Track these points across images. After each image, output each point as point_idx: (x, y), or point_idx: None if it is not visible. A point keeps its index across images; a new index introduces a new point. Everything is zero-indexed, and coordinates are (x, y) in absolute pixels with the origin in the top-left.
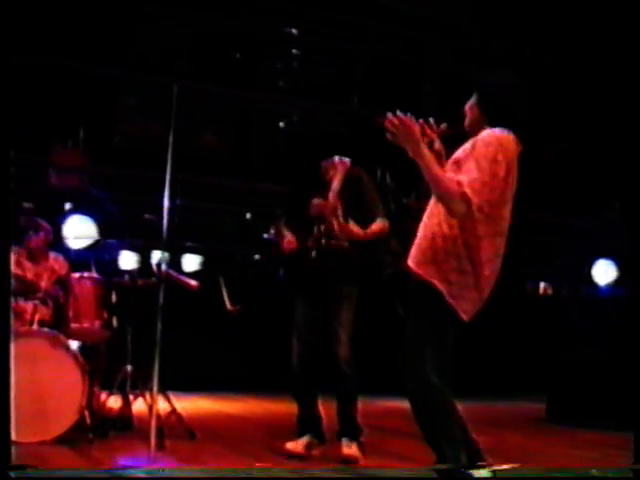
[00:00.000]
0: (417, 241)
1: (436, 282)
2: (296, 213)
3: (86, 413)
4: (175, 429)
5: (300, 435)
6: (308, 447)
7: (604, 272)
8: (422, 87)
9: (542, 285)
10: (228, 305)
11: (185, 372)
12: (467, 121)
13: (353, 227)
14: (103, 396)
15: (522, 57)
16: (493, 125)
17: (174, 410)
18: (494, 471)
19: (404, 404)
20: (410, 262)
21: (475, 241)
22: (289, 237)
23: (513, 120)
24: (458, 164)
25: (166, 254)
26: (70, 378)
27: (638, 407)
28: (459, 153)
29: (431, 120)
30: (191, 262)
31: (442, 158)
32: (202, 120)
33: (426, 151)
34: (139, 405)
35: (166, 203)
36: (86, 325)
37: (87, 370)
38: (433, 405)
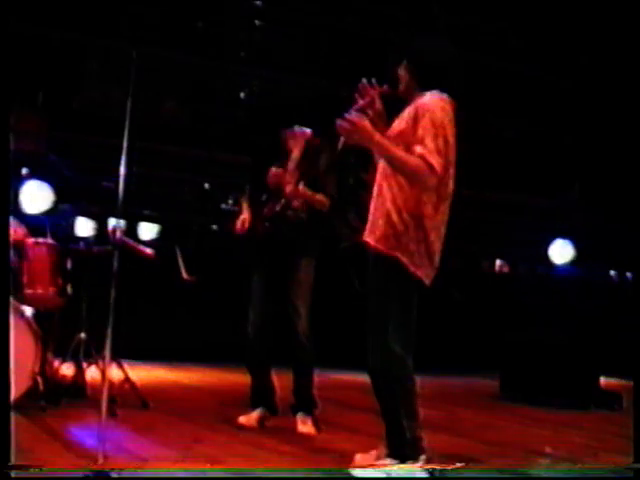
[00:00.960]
0: (372, 217)
1: (398, 254)
2: (257, 183)
3: (39, 380)
4: (129, 398)
5: (253, 407)
6: (261, 420)
7: (561, 252)
8: (386, 61)
9: (498, 263)
10: (184, 275)
11: (140, 341)
12: (401, 86)
13: (303, 189)
14: (56, 363)
15: (487, 34)
16: (425, 89)
17: (127, 379)
18: (432, 470)
19: (359, 377)
20: (369, 238)
21: (430, 210)
22: (243, 216)
23: (446, 82)
24: (402, 135)
25: (121, 221)
26: (23, 344)
27: (637, 406)
28: (400, 124)
29: (373, 80)
30: (148, 231)
31: (383, 117)
32: (163, 88)
33: (381, 139)
34: (93, 373)
35: (122, 170)
36: (40, 291)
37: (40, 337)
38: (396, 376)
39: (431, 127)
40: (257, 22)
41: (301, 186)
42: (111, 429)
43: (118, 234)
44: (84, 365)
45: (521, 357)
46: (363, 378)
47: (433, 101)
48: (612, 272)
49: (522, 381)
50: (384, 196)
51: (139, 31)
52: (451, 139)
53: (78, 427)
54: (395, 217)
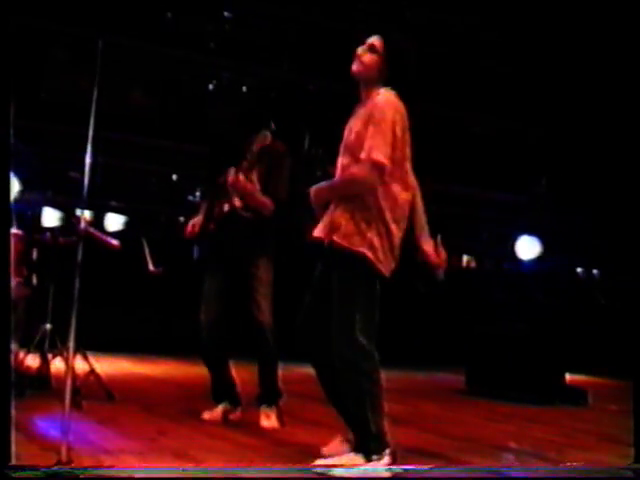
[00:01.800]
0: (334, 215)
1: (364, 250)
2: (212, 185)
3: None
4: (94, 390)
5: (216, 402)
6: (225, 414)
7: (527, 247)
8: (351, 54)
9: (465, 258)
10: (150, 266)
11: (106, 333)
12: (361, 67)
13: (243, 179)
14: (21, 354)
15: (457, 29)
16: (383, 83)
17: (92, 370)
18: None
19: None
20: (333, 236)
21: (390, 203)
22: (195, 219)
23: (404, 83)
24: (360, 137)
25: (86, 212)
26: None
27: (637, 406)
28: (357, 125)
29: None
30: (114, 221)
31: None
32: (130, 78)
33: (323, 190)
34: (58, 365)
35: (88, 160)
36: None
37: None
38: (364, 369)
39: (381, 122)
40: (226, 14)
41: (241, 176)
42: (75, 421)
43: (82, 224)
44: (49, 356)
45: (487, 352)
46: None
47: (387, 100)
48: (578, 268)
49: (488, 376)
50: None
51: (108, 20)
52: (401, 134)
53: (42, 419)
54: (358, 214)
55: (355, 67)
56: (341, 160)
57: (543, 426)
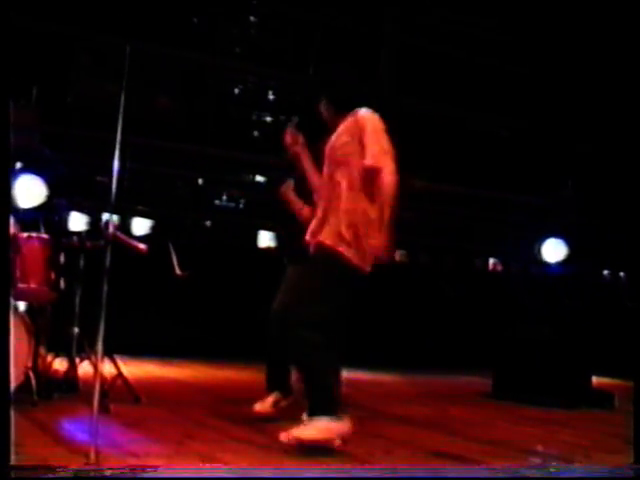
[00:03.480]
0: (340, 227)
1: (343, 249)
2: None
3: (31, 375)
4: (121, 393)
5: (269, 391)
6: (275, 403)
7: (554, 250)
8: (379, 58)
9: (491, 261)
10: (177, 270)
11: (133, 336)
12: (326, 117)
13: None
14: (49, 358)
15: (479, 33)
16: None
17: (120, 374)
18: None
19: (350, 374)
20: (340, 248)
21: (368, 205)
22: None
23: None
24: (346, 146)
25: (114, 216)
26: (16, 339)
27: (637, 406)
28: (341, 137)
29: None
30: (141, 226)
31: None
32: (157, 83)
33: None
34: (85, 368)
35: (115, 165)
36: (33, 286)
37: (33, 331)
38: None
39: (373, 133)
40: (252, 18)
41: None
42: (103, 424)
43: (110, 229)
44: (76, 360)
45: (514, 355)
46: (354, 374)
47: (368, 114)
48: (605, 271)
49: (514, 379)
50: (347, 204)
51: (134, 26)
52: (387, 145)
53: (70, 422)
54: (359, 219)
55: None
56: (326, 170)
57: (570, 430)
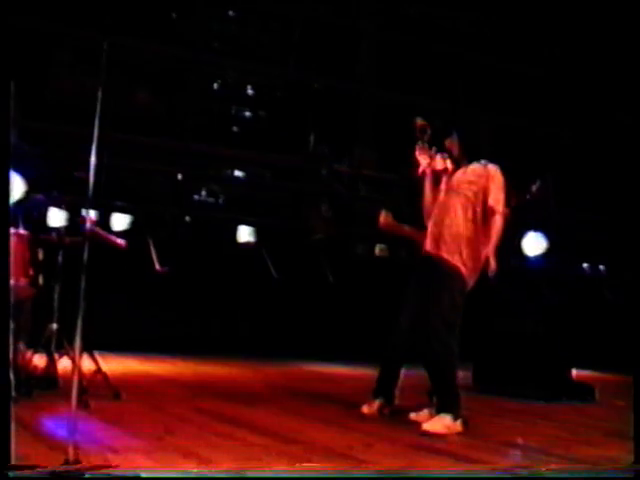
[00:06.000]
0: (450, 244)
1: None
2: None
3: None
4: (101, 389)
5: (375, 397)
6: (380, 409)
7: (533, 244)
8: (358, 53)
9: None
10: (157, 266)
11: (113, 332)
12: (454, 152)
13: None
14: (28, 354)
15: (461, 27)
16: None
17: (99, 369)
18: None
19: (330, 369)
20: (453, 261)
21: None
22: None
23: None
24: (473, 183)
25: (91, 212)
26: None
27: (637, 406)
28: (468, 176)
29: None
30: (120, 221)
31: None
32: (136, 78)
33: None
34: (65, 364)
35: (93, 161)
36: (12, 282)
37: (12, 328)
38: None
39: (499, 184)
40: (231, 13)
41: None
42: (82, 420)
43: (88, 224)
44: (56, 356)
45: (494, 348)
46: (334, 369)
47: (498, 169)
48: (584, 264)
49: (494, 372)
50: (456, 226)
51: (113, 21)
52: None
53: (49, 418)
54: (466, 242)
55: (455, 154)
56: (444, 197)
57: (550, 422)
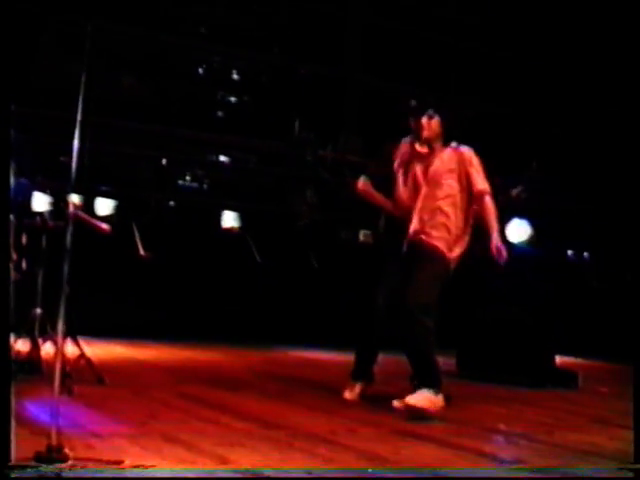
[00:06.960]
0: (439, 230)
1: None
2: None
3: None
4: (84, 374)
5: (354, 380)
6: (362, 391)
7: (518, 231)
8: (343, 39)
9: None
10: (141, 251)
11: (96, 317)
12: (427, 132)
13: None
14: (11, 339)
15: (449, 14)
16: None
17: (83, 355)
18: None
19: (314, 354)
20: (442, 247)
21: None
22: None
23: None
24: (452, 172)
25: (74, 196)
26: None
27: (637, 405)
28: (445, 164)
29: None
30: (104, 206)
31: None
32: (121, 63)
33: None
34: (48, 349)
35: (76, 145)
36: None
37: None
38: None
39: (478, 167)
40: None
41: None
42: (66, 405)
43: (71, 208)
44: (39, 341)
45: (478, 335)
46: (318, 355)
47: (469, 150)
48: (569, 251)
49: (478, 359)
50: (441, 214)
51: (97, 5)
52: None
53: (32, 403)
54: (453, 228)
55: (426, 134)
56: (426, 189)
57: (534, 408)
